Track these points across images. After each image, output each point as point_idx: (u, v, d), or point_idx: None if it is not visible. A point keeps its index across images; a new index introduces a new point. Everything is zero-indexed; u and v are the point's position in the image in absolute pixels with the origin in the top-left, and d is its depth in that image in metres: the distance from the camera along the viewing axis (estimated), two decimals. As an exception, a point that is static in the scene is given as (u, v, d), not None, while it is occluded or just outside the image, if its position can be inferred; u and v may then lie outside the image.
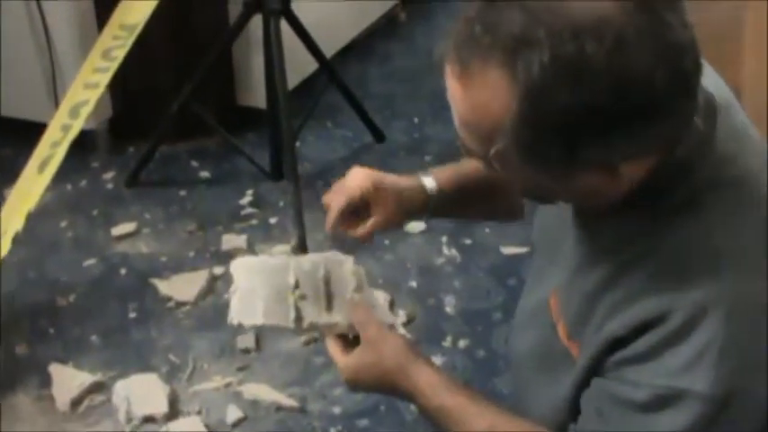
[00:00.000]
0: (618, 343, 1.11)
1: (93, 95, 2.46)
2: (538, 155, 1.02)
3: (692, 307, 1.05)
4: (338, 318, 1.38)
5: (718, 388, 1.03)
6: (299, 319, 1.38)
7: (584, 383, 1.17)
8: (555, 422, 1.23)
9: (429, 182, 1.44)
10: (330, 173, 3.20)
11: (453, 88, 1.04)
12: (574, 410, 1.20)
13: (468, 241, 2.86)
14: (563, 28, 0.95)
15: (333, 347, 1.38)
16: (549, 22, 0.96)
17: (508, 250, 2.82)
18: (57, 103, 2.78)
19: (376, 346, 1.32)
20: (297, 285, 1.39)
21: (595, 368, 1.15)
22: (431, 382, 1.29)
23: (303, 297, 1.39)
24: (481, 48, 0.99)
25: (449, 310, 2.63)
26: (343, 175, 1.45)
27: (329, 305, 1.39)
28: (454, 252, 2.83)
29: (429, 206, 1.44)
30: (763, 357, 1.05)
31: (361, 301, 1.38)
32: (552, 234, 1.29)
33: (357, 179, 1.40)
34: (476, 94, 1.01)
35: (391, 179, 1.43)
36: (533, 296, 1.36)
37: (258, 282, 1.40)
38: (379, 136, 3.36)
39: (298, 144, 3.19)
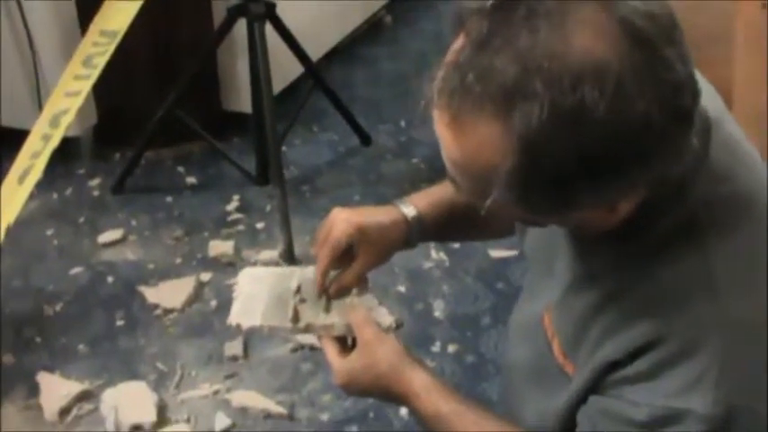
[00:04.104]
0: (614, 365, 1.09)
1: (74, 104, 2.43)
2: (534, 201, 0.99)
3: (690, 329, 1.04)
4: (335, 319, 1.37)
5: (717, 407, 1.02)
6: (296, 319, 1.38)
7: (579, 402, 1.16)
8: None
9: (409, 210, 1.40)
10: (316, 177, 3.20)
11: (443, 134, 1.00)
12: (566, 426, 1.19)
13: (456, 245, 2.85)
14: (561, 77, 0.90)
15: (329, 349, 1.36)
16: (545, 70, 0.90)
17: (497, 254, 2.81)
18: (40, 110, 2.76)
19: (371, 348, 1.31)
20: (298, 290, 1.39)
21: (592, 388, 1.14)
22: (426, 386, 1.28)
23: (303, 301, 1.39)
24: (473, 97, 0.94)
25: (437, 314, 2.63)
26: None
27: (328, 308, 1.39)
28: (442, 256, 2.82)
29: (411, 235, 1.40)
30: (763, 375, 1.04)
31: (359, 304, 1.38)
32: (545, 248, 1.27)
33: (341, 227, 1.35)
34: (468, 142, 0.97)
35: (374, 219, 1.38)
36: (527, 310, 1.34)
37: (262, 287, 1.42)
38: (365, 139, 3.36)
39: (284, 149, 3.18)
